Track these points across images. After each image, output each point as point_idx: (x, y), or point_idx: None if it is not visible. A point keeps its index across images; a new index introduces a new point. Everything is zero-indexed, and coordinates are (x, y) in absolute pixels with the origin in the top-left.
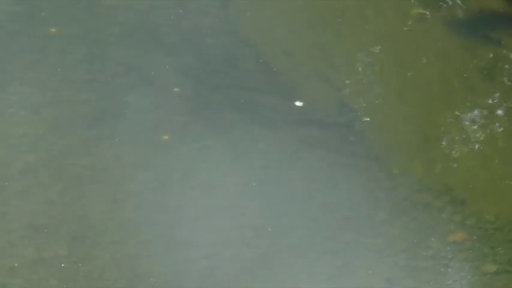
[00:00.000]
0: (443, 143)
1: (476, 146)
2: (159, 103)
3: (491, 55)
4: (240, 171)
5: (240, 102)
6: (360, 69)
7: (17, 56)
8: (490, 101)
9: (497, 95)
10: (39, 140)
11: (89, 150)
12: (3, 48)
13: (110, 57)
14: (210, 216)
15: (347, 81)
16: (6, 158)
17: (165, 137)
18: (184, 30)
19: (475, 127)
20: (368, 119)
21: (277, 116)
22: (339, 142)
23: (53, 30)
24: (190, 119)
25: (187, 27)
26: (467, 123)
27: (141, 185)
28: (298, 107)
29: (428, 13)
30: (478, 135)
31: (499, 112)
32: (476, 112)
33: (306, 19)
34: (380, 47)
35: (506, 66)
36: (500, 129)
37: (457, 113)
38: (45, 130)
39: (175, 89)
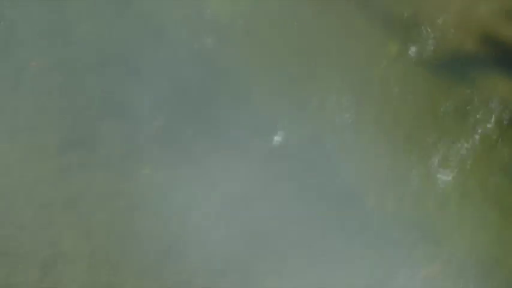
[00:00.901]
0: (415, 181)
1: (447, 185)
2: (132, 131)
3: (465, 95)
4: (210, 200)
5: (215, 134)
6: (333, 105)
7: (28, 100)
8: (463, 141)
9: (470, 134)
10: (11, 167)
11: (61, 178)
12: (14, 91)
13: (84, 86)
14: (182, 245)
15: (321, 118)
16: None
17: (139, 165)
18: (160, 60)
19: (448, 165)
20: (340, 156)
21: (250, 148)
22: (311, 176)
23: (25, 56)
24: (163, 148)
25: (163, 56)
26: (438, 161)
27: (113, 214)
28: (272, 141)
29: (402, 51)
30: (449, 173)
31: (471, 152)
32: (448, 150)
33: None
34: (353, 83)
35: (480, 106)
36: (471, 168)
37: (428, 151)
38: (16, 157)
39: (150, 119)
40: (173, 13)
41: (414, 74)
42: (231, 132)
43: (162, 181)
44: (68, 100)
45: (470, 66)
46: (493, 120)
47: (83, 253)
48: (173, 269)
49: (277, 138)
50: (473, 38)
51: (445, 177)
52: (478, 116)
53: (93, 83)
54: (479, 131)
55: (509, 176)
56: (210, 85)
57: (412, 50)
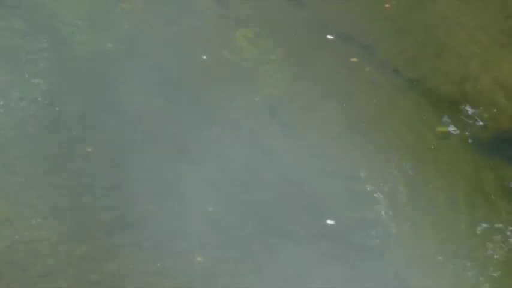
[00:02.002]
0: (465, 262)
1: (498, 266)
2: (180, 211)
3: None
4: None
5: (266, 217)
6: (385, 186)
7: (39, 161)
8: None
9: None
10: (59, 245)
11: (109, 257)
12: (26, 153)
13: (132, 164)
14: None
15: (368, 198)
16: (25, 262)
17: (186, 246)
18: (209, 141)
19: (497, 245)
20: (390, 237)
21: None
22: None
23: (74, 133)
24: (212, 231)
25: (212, 138)
26: (489, 242)
27: None
28: (325, 224)
29: (450, 130)
30: (500, 253)
31: None
32: (498, 231)
33: (332, 132)
34: (405, 164)
35: None
36: None
37: (479, 231)
38: (65, 235)
39: (199, 200)
40: (222, 94)
41: (463, 154)
42: (280, 217)
43: (209, 264)
44: (117, 179)
45: None
46: None
47: None
48: None
49: (328, 220)
50: None
51: (495, 258)
52: None
53: (141, 161)
54: None
55: None
56: (258, 166)
57: (461, 129)
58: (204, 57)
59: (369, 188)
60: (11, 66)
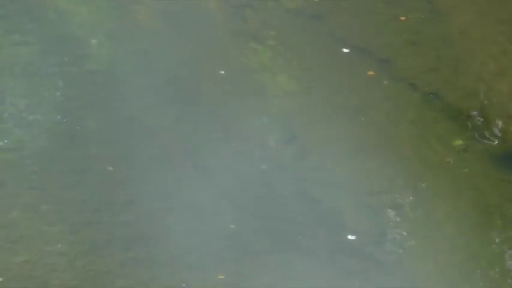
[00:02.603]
0: (483, 278)
1: None
2: (197, 227)
3: None
4: None
5: (284, 233)
6: (402, 201)
7: (56, 176)
8: None
9: None
10: (77, 260)
11: (126, 272)
12: (43, 168)
13: (148, 180)
14: None
15: (386, 213)
16: (43, 277)
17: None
18: (226, 156)
19: None
20: (407, 249)
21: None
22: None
23: (91, 148)
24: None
25: (229, 153)
26: (508, 257)
27: None
28: (345, 239)
29: (468, 145)
30: None
31: None
32: None
33: (349, 146)
34: (422, 178)
35: None
36: None
37: (497, 246)
38: (82, 250)
39: (214, 215)
40: (238, 109)
41: (480, 168)
42: (300, 233)
43: (230, 281)
44: (134, 194)
45: None
46: None
47: None
48: None
49: (349, 236)
50: None
51: None
52: None
53: (158, 177)
54: None
55: None
56: (275, 182)
57: (478, 143)
58: (222, 72)
59: (387, 203)
60: (27, 82)
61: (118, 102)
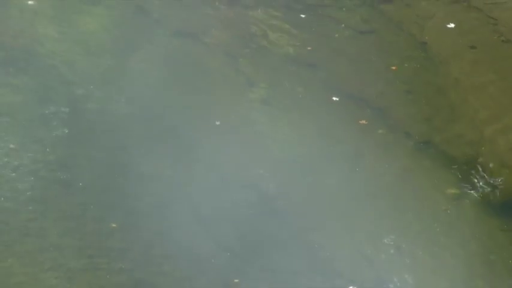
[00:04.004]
0: None
1: None
2: (195, 274)
3: None
4: None
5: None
6: (399, 248)
7: (51, 223)
8: None
9: None
10: None
11: None
12: (39, 215)
13: (145, 227)
14: None
15: (384, 259)
16: None
17: None
18: (223, 205)
19: None
20: None
21: None
22: None
23: (87, 195)
24: None
25: (226, 201)
26: None
27: None
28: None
29: (462, 193)
30: None
31: None
32: None
33: (345, 195)
34: (417, 226)
35: None
36: None
37: None
38: None
39: (212, 261)
40: (235, 158)
41: (474, 216)
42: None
43: None
44: (130, 241)
45: None
46: None
47: None
48: None
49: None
50: None
51: None
52: None
53: (155, 224)
54: None
55: None
56: (271, 228)
57: (473, 191)
58: (217, 122)
59: (383, 252)
60: (24, 128)
61: (114, 150)
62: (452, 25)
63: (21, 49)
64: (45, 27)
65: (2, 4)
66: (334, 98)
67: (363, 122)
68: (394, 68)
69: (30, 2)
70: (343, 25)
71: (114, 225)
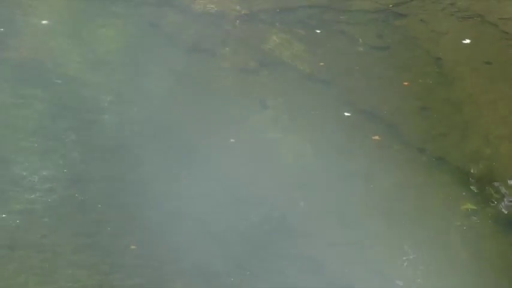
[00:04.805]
0: None
1: None
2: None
3: None
4: None
5: None
6: (412, 265)
7: (66, 240)
8: None
9: None
10: None
11: None
12: (53, 231)
13: (159, 244)
14: None
15: (398, 275)
16: None
17: None
18: (236, 221)
19: None
20: None
21: None
22: None
23: (100, 212)
24: None
25: (240, 219)
26: None
27: None
28: None
29: (477, 208)
30: None
31: None
32: None
33: (358, 213)
34: (431, 241)
35: None
36: None
37: None
38: None
39: (225, 277)
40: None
41: (490, 233)
42: None
43: None
44: (144, 258)
45: None
46: None
47: None
48: None
49: None
50: None
51: None
52: None
53: (168, 240)
54: None
55: None
56: (281, 240)
57: (487, 207)
58: (232, 140)
59: (397, 270)
60: (39, 146)
61: (128, 167)
62: (468, 41)
63: (34, 65)
64: (58, 44)
65: (17, 23)
66: (348, 114)
67: (376, 138)
68: (406, 83)
69: (44, 22)
70: (358, 41)
71: (133, 246)
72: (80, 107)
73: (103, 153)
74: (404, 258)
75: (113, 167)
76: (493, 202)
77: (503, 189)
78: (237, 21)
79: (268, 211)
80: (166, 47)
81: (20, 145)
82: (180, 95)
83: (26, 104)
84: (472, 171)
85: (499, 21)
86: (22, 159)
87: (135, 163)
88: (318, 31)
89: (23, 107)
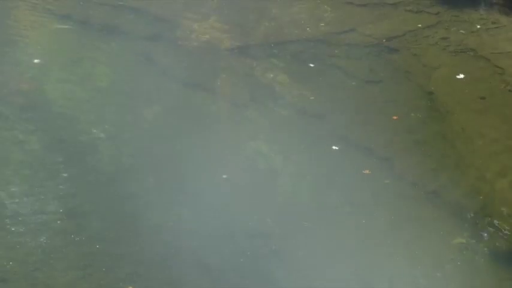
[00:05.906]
0: None
1: None
2: None
3: None
4: None
5: None
6: None
7: (59, 273)
8: None
9: None
10: None
11: None
12: (46, 264)
13: (152, 277)
14: None
15: None
16: None
17: None
18: (231, 255)
19: None
20: None
21: None
22: None
23: (95, 245)
24: None
25: (234, 252)
26: None
27: None
28: None
29: (469, 243)
30: None
31: None
32: None
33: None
34: (424, 276)
35: None
36: None
37: None
38: None
39: None
40: (241, 211)
41: (483, 267)
42: None
43: None
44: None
45: None
46: None
47: None
48: None
49: None
50: None
51: None
52: None
53: (162, 274)
54: None
55: None
56: (274, 271)
57: (480, 242)
58: (224, 176)
59: None
60: (31, 180)
61: (122, 199)
62: (461, 75)
63: (28, 101)
64: (52, 81)
65: (9, 62)
66: (339, 148)
67: (367, 171)
68: (395, 117)
69: (36, 61)
70: (350, 75)
71: (122, 273)
72: (73, 139)
73: (95, 186)
74: None
75: (105, 200)
76: (485, 236)
77: (495, 223)
78: (230, 54)
79: (261, 242)
80: (159, 81)
81: (12, 179)
82: (173, 128)
83: (18, 140)
84: (465, 205)
85: (491, 56)
86: (14, 193)
87: (128, 197)
88: (311, 65)
89: (16, 143)
